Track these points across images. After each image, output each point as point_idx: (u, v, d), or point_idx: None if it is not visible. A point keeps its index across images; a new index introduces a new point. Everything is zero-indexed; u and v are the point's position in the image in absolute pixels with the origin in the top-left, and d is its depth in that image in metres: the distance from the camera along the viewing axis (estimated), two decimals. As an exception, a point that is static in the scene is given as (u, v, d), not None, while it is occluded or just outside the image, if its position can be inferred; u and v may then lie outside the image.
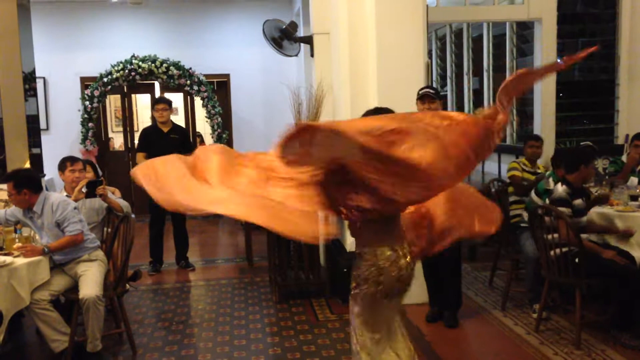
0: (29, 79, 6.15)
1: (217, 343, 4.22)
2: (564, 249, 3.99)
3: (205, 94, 9.20)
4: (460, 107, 8.99)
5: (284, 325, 4.52)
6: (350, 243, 5.00)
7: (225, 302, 5.15)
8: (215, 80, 9.67)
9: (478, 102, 8.82)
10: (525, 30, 7.68)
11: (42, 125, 8.52)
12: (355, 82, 4.90)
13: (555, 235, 3.98)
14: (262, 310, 4.87)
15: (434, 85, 8.49)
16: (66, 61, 9.16)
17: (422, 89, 4.34)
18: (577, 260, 3.94)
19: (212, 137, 9.40)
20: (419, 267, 4.75)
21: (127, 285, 4.34)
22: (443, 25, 9.32)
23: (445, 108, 4.42)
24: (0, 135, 6.36)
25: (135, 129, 10.10)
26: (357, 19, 4.88)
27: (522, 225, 4.76)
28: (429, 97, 4.22)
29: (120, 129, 10.16)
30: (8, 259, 3.75)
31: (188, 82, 9.11)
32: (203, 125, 10.00)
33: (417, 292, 4.85)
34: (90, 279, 3.88)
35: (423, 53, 4.83)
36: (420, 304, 4.75)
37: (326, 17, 5.86)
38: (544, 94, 6.86)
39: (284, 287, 5.08)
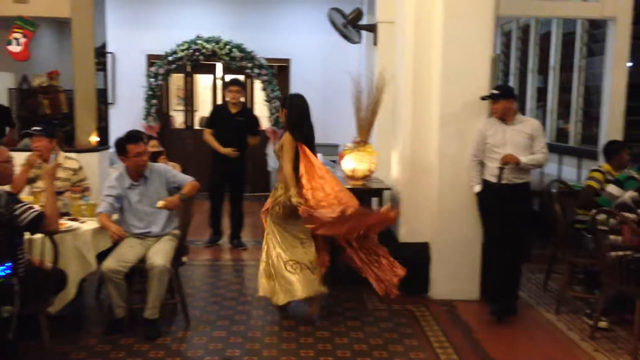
0: (100, 53, 6.34)
1: (267, 322, 4.31)
2: (621, 253, 3.86)
3: (266, 77, 9.30)
4: (522, 104, 8.76)
5: (333, 310, 4.55)
6: (402, 234, 4.99)
7: (275, 283, 5.20)
8: (275, 64, 9.75)
9: (542, 100, 8.58)
10: (596, 29, 7.41)
11: (109, 99, 8.79)
12: (419, 73, 4.84)
13: (618, 237, 3.87)
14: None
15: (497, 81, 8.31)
16: (134, 38, 9.41)
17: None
18: (631, 267, 3.81)
19: (270, 121, 9.50)
20: (476, 263, 4.69)
21: (183, 258, 4.47)
22: (510, 20, 9.10)
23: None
24: (71, 106, 6.61)
25: (196, 108, 10.30)
26: (423, 8, 4.81)
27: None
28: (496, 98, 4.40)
29: (181, 107, 10.39)
30: (75, 224, 3.93)
31: (249, 64, 9.22)
32: (261, 109, 10.09)
33: (468, 289, 4.80)
34: (163, 249, 4.05)
35: (490, 46, 4.75)
36: (468, 300, 4.71)
37: (391, 5, 5.81)
38: (613, 95, 6.60)
39: (334, 272, 5.09)
